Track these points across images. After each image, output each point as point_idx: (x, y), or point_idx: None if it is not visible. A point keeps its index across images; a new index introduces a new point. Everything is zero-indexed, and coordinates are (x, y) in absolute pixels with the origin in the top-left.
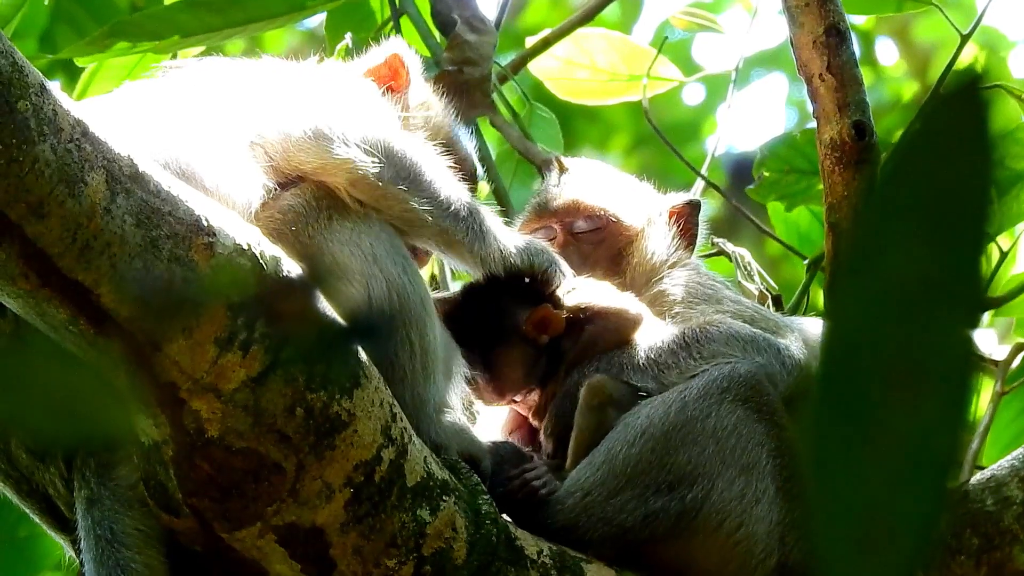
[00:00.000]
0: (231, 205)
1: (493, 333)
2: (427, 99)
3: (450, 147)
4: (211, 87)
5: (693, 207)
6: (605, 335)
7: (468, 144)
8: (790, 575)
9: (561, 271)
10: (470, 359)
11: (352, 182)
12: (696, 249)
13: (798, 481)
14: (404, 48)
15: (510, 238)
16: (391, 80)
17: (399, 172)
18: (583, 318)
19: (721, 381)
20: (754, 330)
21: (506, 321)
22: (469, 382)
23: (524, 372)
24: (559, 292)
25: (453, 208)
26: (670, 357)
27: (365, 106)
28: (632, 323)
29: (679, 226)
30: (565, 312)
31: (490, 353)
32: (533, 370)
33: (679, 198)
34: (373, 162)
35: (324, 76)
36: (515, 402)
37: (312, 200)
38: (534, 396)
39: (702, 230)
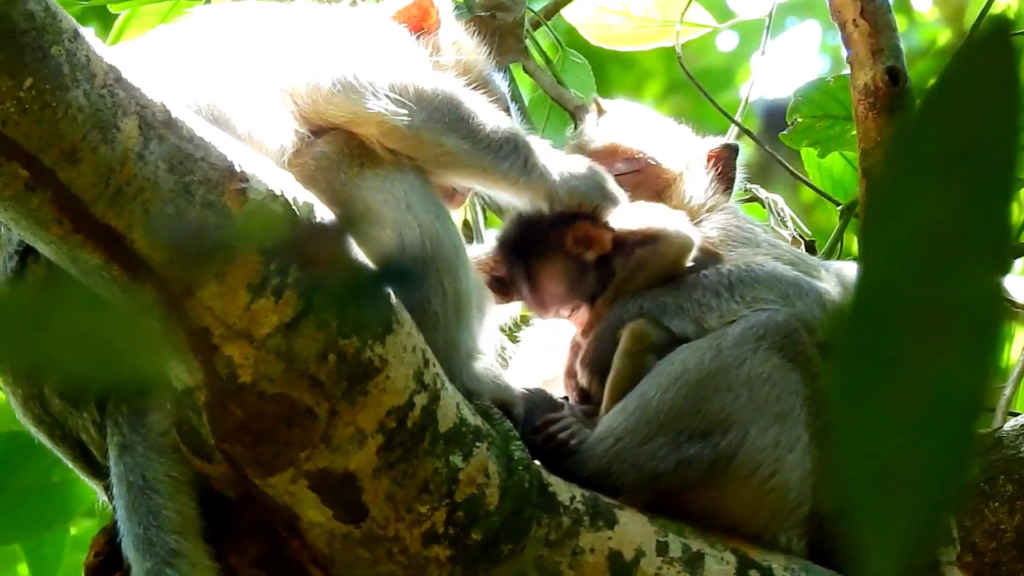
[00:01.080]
0: (264, 152)
1: (536, 244)
2: (458, 39)
3: (483, 87)
4: (243, 32)
5: (731, 151)
6: (653, 259)
7: (501, 84)
8: (823, 523)
9: (614, 200)
10: (516, 270)
11: (384, 133)
12: (733, 193)
13: (831, 430)
14: None
15: (561, 168)
16: (421, 21)
17: (432, 115)
18: (633, 241)
19: (757, 329)
20: (796, 273)
21: (550, 234)
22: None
23: (567, 287)
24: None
25: (494, 144)
26: (712, 299)
27: (394, 51)
28: (682, 248)
29: (717, 170)
30: (613, 234)
31: (533, 265)
32: (578, 286)
33: (717, 141)
34: (404, 111)
35: (353, 21)
36: (562, 316)
37: (344, 147)
38: (583, 313)
39: (740, 174)
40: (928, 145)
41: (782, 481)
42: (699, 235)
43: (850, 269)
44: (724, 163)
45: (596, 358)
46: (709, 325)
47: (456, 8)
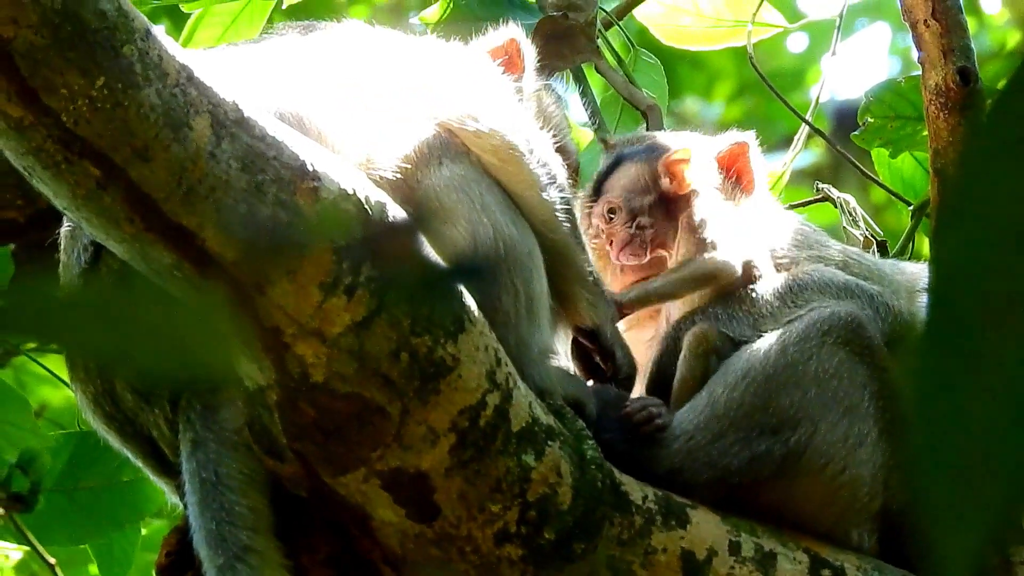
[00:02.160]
0: (344, 151)
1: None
2: (540, 89)
3: (558, 139)
4: (340, 48)
5: (741, 148)
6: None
7: (572, 142)
8: (894, 518)
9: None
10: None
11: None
12: (757, 185)
13: (901, 424)
14: (520, 34)
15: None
16: (508, 65)
17: (547, 171)
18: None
19: (822, 324)
20: (847, 277)
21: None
22: None
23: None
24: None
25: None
26: (764, 307)
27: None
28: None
29: (731, 174)
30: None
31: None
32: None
33: (723, 143)
34: (546, 176)
35: (474, 60)
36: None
37: (425, 148)
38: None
39: (760, 165)
40: (1006, 140)
41: (853, 476)
42: (743, 256)
43: (917, 268)
44: (738, 163)
45: (657, 372)
46: (766, 329)
47: (526, 9)
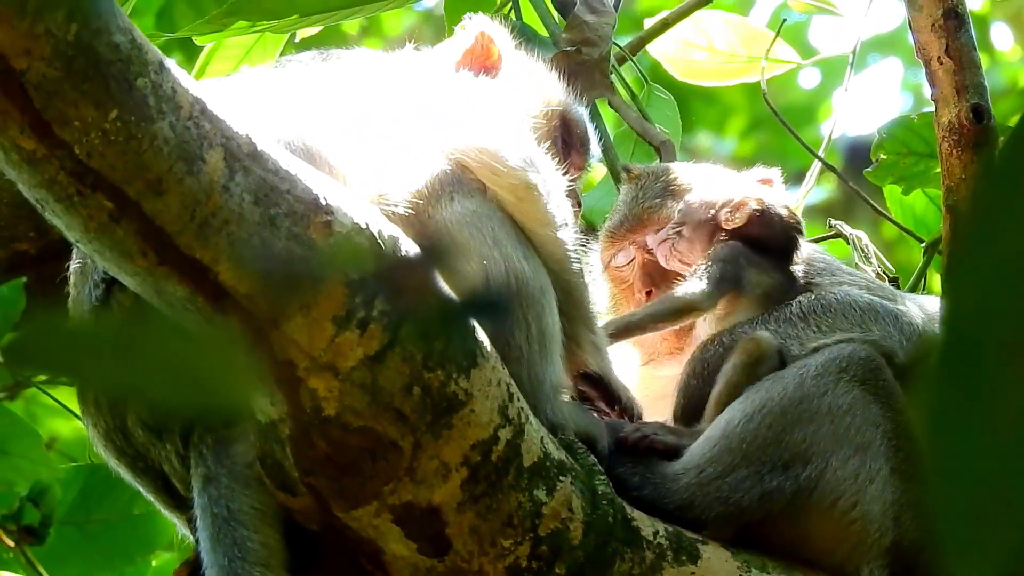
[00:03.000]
0: (357, 184)
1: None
2: (528, 69)
3: (562, 114)
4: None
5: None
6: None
7: (579, 109)
8: (905, 555)
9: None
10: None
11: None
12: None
13: (913, 463)
14: (487, 23)
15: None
16: (486, 60)
17: (562, 212)
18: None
19: (840, 361)
20: (871, 297)
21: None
22: None
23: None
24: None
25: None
26: (790, 328)
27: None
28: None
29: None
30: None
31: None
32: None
33: (749, 179)
34: (561, 216)
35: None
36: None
37: (437, 183)
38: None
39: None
40: (1019, 178)
41: (863, 512)
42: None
43: (931, 302)
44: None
45: (701, 372)
46: (791, 353)
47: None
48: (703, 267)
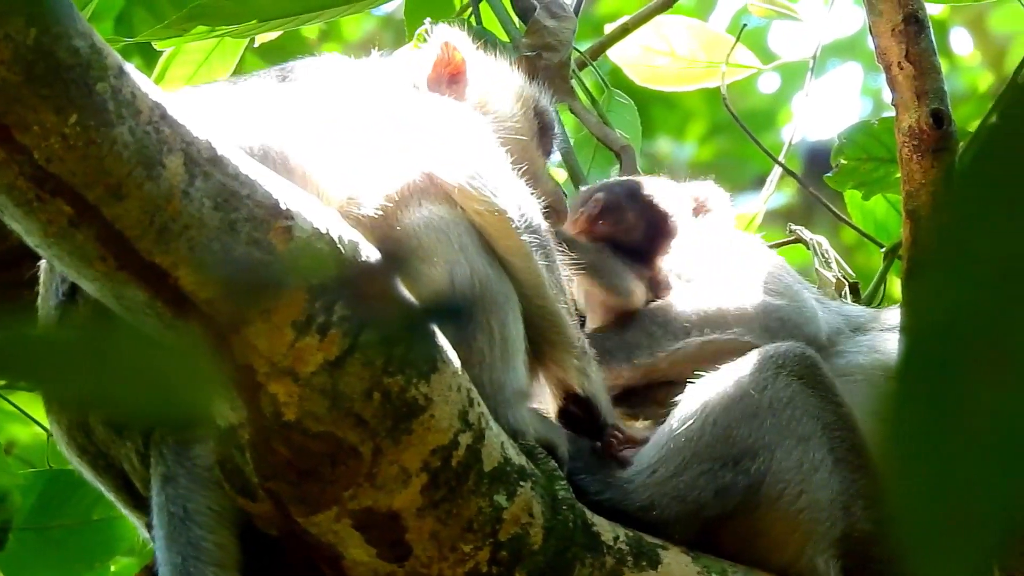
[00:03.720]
0: (327, 189)
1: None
2: (493, 70)
3: (532, 115)
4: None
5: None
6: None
7: (548, 105)
8: (857, 546)
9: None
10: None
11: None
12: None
13: (858, 453)
14: (449, 31)
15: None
16: (452, 68)
17: (535, 237)
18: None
19: (776, 358)
20: (720, 298)
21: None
22: None
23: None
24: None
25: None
26: (644, 338)
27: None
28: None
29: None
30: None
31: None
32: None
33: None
34: (534, 242)
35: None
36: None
37: (407, 188)
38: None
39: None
40: (985, 185)
41: (811, 501)
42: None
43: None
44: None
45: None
46: (643, 361)
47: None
48: (597, 269)
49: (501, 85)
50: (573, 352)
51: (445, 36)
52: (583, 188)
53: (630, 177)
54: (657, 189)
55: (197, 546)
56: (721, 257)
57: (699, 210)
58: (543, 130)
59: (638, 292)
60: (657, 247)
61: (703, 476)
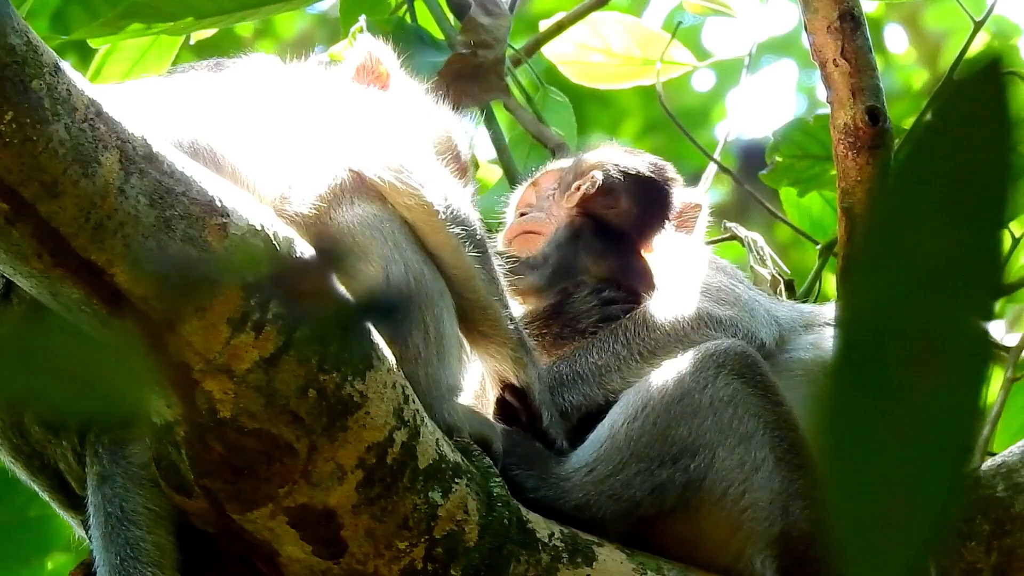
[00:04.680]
0: (258, 188)
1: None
2: (413, 89)
3: (446, 135)
4: (256, 85)
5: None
6: None
7: (461, 134)
8: (795, 546)
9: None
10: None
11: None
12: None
13: (797, 452)
14: (373, 42)
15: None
16: (375, 77)
17: (464, 229)
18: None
19: (717, 356)
20: (700, 307)
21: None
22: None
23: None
24: None
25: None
26: (611, 359)
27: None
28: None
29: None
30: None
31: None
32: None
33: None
34: (463, 234)
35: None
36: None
37: (338, 187)
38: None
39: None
40: (918, 182)
41: (752, 500)
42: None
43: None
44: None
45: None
46: (613, 387)
47: (435, 47)
48: (543, 252)
49: (419, 106)
50: (508, 343)
51: (370, 46)
52: (573, 157)
53: (631, 154)
54: (658, 181)
55: (135, 546)
56: (689, 272)
57: (681, 217)
58: (456, 158)
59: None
60: (642, 237)
61: (639, 475)
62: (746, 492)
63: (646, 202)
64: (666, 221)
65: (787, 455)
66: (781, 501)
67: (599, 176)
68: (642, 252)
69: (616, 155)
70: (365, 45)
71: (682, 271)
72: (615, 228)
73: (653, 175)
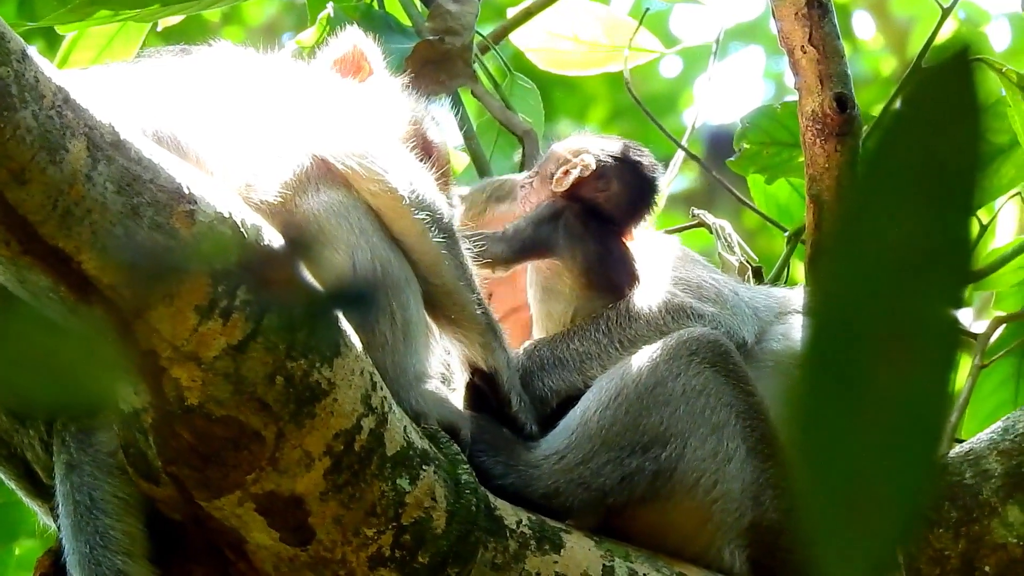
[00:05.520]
0: (222, 176)
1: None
2: (392, 86)
3: (423, 135)
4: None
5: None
6: None
7: (438, 132)
8: (764, 536)
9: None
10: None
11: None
12: None
13: (768, 443)
14: (361, 37)
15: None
16: (356, 71)
17: (429, 213)
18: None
19: (690, 344)
20: (680, 300)
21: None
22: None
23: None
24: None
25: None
26: (592, 347)
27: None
28: None
29: None
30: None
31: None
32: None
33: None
34: (428, 219)
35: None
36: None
37: (303, 174)
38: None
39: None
40: (887, 169)
41: (724, 491)
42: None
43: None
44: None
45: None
46: (593, 375)
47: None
48: (517, 225)
49: (397, 106)
50: (476, 328)
51: (356, 40)
52: (561, 142)
53: (613, 140)
54: (647, 166)
55: (104, 535)
56: (670, 266)
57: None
58: (428, 147)
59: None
60: (626, 225)
61: (610, 464)
62: (717, 483)
63: (635, 188)
64: (652, 209)
65: (758, 445)
66: (752, 492)
67: (591, 160)
68: (624, 241)
69: (600, 141)
70: (352, 38)
71: (664, 265)
72: (602, 213)
73: (642, 160)
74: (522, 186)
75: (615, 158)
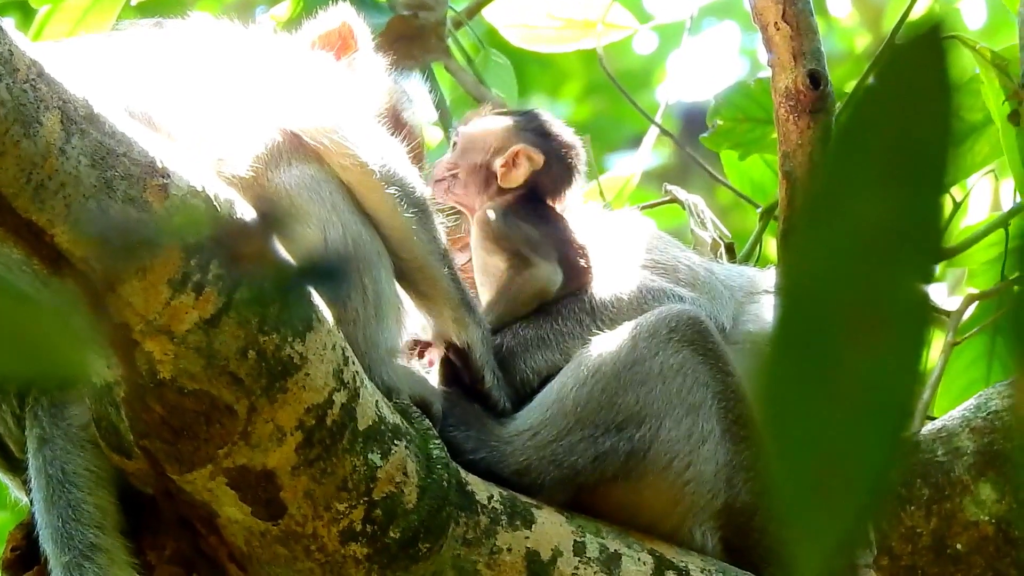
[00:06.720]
0: (195, 149)
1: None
2: (375, 66)
3: (398, 114)
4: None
5: None
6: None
7: (411, 108)
8: (737, 518)
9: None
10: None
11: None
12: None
13: (743, 424)
14: (352, 14)
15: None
16: (342, 48)
17: (400, 188)
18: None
19: (669, 320)
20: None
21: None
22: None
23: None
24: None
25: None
26: (575, 327)
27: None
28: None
29: None
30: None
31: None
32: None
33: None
34: (399, 193)
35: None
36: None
37: (275, 148)
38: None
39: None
40: (859, 146)
41: (697, 473)
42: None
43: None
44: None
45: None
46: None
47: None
48: (520, 246)
49: (379, 87)
50: (448, 303)
51: (346, 16)
52: (471, 126)
53: (540, 117)
54: (569, 133)
55: (77, 508)
56: (644, 247)
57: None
58: (402, 123)
59: (557, 280)
60: (556, 197)
61: (583, 442)
62: (691, 464)
63: (568, 161)
64: (578, 173)
65: (733, 426)
66: (725, 473)
67: (534, 152)
68: (558, 212)
69: (520, 122)
70: (341, 14)
71: (640, 247)
72: (537, 194)
73: (563, 132)
74: (442, 179)
75: (545, 138)
